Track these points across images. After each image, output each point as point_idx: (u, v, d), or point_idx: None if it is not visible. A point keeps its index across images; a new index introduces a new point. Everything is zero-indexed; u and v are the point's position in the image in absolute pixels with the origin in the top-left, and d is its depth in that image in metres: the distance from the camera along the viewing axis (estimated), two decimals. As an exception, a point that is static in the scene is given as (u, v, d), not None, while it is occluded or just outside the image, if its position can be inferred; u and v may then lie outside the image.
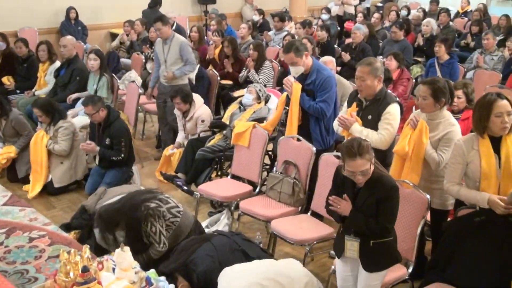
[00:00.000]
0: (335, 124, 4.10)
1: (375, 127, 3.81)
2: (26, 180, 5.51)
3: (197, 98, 5.70)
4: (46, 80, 6.71)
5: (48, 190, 5.33)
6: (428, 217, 3.70)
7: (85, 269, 2.61)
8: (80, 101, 6.25)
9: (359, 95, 3.98)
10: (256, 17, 10.43)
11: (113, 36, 9.92)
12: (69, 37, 6.87)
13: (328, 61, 5.52)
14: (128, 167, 5.26)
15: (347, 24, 10.26)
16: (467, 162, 3.27)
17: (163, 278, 3.12)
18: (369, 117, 3.87)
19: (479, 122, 3.18)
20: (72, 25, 9.42)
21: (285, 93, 4.62)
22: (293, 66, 4.35)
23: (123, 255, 2.73)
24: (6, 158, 5.51)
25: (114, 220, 3.59)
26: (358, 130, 3.81)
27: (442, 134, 3.58)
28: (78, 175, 5.42)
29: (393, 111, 3.81)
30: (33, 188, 5.35)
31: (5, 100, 5.75)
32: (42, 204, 5.15)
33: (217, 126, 5.50)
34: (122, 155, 5.10)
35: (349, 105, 4.09)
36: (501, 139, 3.17)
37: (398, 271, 3.39)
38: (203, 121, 5.56)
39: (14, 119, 5.56)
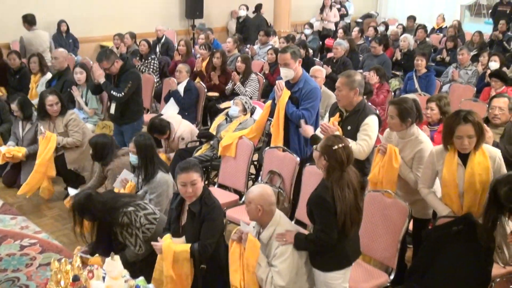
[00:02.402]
0: (317, 131, 4.22)
1: (354, 138, 3.96)
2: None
3: (175, 118, 5.81)
4: (37, 91, 6.71)
5: (59, 170, 5.34)
6: (410, 226, 3.84)
7: (76, 278, 2.68)
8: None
9: (339, 106, 4.16)
10: (244, 12, 10.51)
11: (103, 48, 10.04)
12: (60, 49, 6.94)
13: (318, 70, 5.75)
14: (139, 120, 5.51)
15: (328, 41, 10.54)
16: (438, 170, 3.50)
17: (151, 285, 3.20)
18: (349, 127, 4.03)
19: (444, 139, 3.43)
20: (63, 37, 9.52)
21: (269, 101, 4.76)
22: (285, 68, 4.43)
23: (113, 264, 2.80)
24: (12, 155, 5.49)
25: (88, 210, 3.59)
26: None
27: (413, 153, 3.75)
28: (87, 162, 5.40)
29: (371, 122, 3.96)
30: (30, 186, 5.27)
31: (30, 104, 5.78)
32: (33, 212, 5.22)
33: (204, 136, 5.64)
34: (123, 93, 5.24)
35: (331, 115, 4.25)
36: (469, 153, 3.36)
37: (380, 278, 3.54)
38: (183, 139, 5.67)
39: (37, 125, 5.53)
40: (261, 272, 3.20)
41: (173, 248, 3.38)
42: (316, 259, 3.25)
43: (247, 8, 10.66)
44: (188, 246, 3.39)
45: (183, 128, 5.71)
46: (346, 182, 3.06)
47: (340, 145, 3.08)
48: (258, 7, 11.40)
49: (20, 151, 5.51)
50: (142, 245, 3.62)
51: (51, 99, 5.31)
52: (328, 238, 3.08)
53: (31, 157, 5.47)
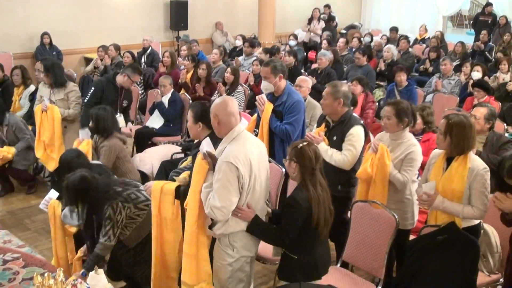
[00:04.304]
0: None
1: (339, 148, 3.98)
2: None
3: (144, 159, 5.64)
4: (20, 104, 6.75)
5: None
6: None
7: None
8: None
9: (324, 114, 4.19)
10: (239, 42, 10.73)
11: (87, 60, 10.00)
12: (44, 61, 6.94)
13: (304, 80, 5.78)
14: None
15: (310, 54, 10.63)
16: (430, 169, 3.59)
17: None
18: (334, 138, 4.05)
19: None
20: (47, 50, 9.48)
21: (255, 114, 4.77)
22: (265, 81, 4.53)
23: (97, 278, 2.77)
24: (1, 156, 5.59)
25: (81, 193, 3.54)
26: (324, 149, 3.95)
27: (404, 154, 3.77)
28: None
29: (355, 132, 3.97)
30: (49, 164, 5.44)
31: (4, 106, 5.88)
32: (16, 226, 5.17)
33: (189, 148, 5.63)
34: None
35: (318, 125, 4.28)
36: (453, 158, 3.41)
37: (367, 288, 3.54)
38: None
39: (14, 124, 5.70)
40: (202, 193, 3.10)
41: (161, 184, 3.54)
42: (283, 270, 3.20)
43: (243, 38, 10.89)
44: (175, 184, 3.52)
45: (157, 163, 5.57)
46: (317, 180, 3.09)
47: (304, 143, 3.14)
48: (331, 18, 12.14)
49: (10, 152, 5.64)
50: (112, 237, 3.51)
51: (37, 65, 5.47)
52: (285, 238, 3.08)
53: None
